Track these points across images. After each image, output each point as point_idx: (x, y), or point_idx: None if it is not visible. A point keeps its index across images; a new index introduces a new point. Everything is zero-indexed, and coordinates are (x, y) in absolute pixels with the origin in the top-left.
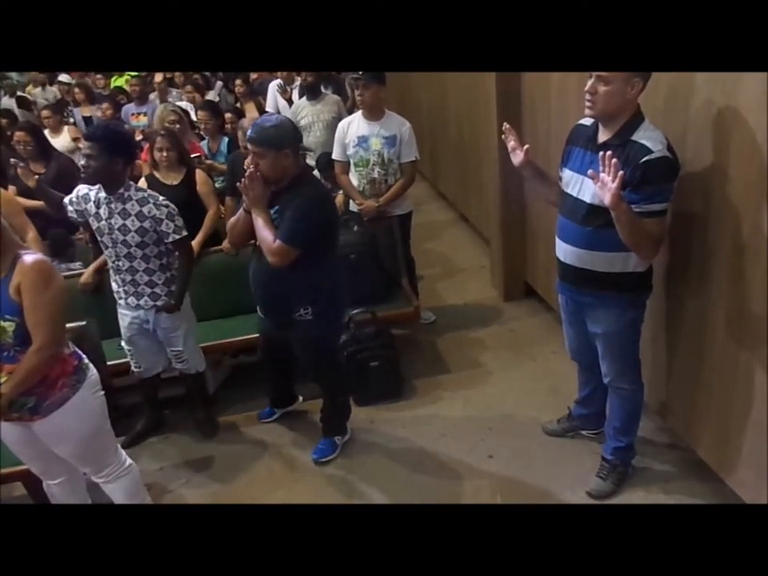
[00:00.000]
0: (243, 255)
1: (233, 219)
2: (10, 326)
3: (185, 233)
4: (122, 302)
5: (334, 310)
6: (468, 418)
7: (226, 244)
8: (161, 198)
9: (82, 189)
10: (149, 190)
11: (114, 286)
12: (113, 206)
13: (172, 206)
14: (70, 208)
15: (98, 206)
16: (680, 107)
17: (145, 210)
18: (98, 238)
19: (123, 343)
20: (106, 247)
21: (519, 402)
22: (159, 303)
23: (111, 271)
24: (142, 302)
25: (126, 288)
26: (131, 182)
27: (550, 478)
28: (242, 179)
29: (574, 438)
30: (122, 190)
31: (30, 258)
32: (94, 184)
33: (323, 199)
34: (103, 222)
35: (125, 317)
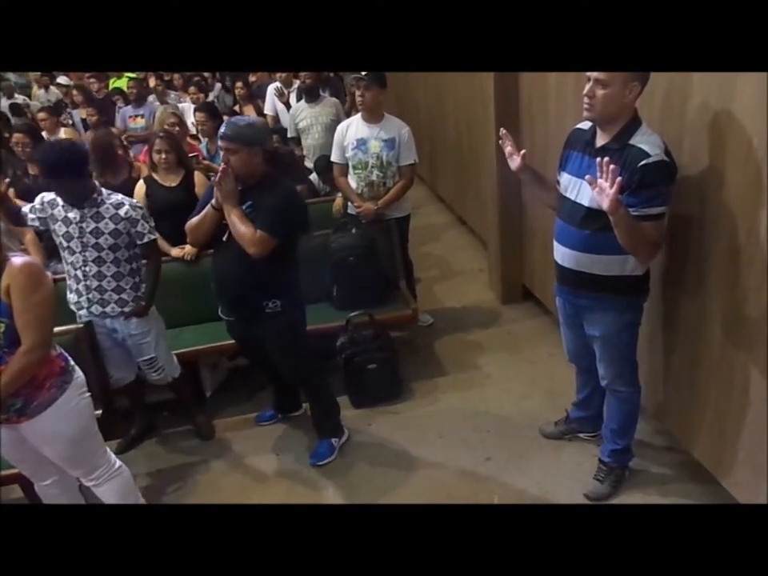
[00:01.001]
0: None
1: (196, 219)
2: (0, 327)
3: (157, 235)
4: (83, 312)
5: (300, 305)
6: (466, 420)
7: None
8: (134, 200)
9: (47, 195)
10: (120, 194)
11: (73, 297)
12: (85, 209)
13: (143, 207)
14: (31, 216)
15: (66, 210)
16: (676, 111)
17: (121, 211)
18: (65, 244)
19: None
20: (73, 253)
21: (517, 404)
22: (127, 309)
23: (71, 281)
24: (108, 309)
25: (90, 296)
26: (101, 188)
27: (547, 480)
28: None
29: (572, 440)
30: (94, 195)
31: (18, 260)
32: (72, 204)
33: (295, 193)
34: (73, 226)
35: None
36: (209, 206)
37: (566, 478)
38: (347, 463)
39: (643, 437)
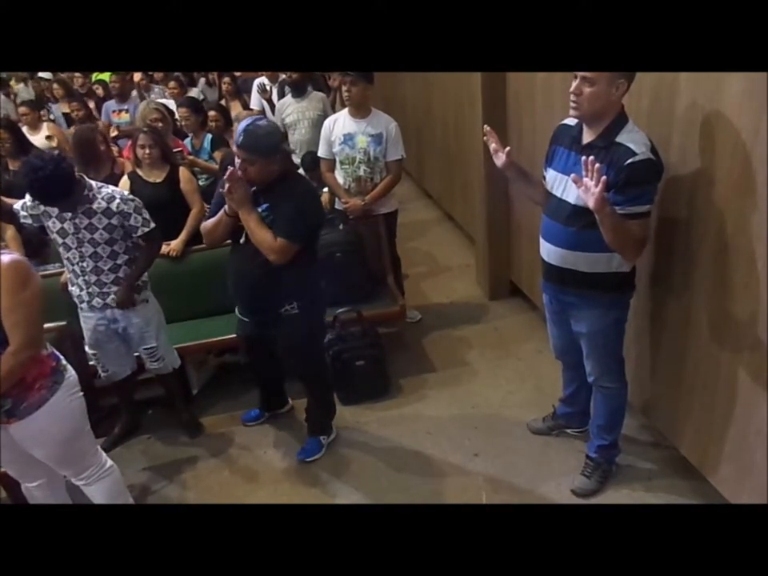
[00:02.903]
0: (218, 254)
1: (211, 223)
2: None
3: (153, 224)
4: (84, 305)
5: (318, 304)
6: (453, 416)
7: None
8: (125, 192)
9: None
10: (111, 186)
11: (75, 290)
12: (79, 206)
13: (137, 199)
14: (23, 213)
15: None
16: (664, 110)
17: (113, 206)
18: (60, 240)
19: (87, 348)
20: (68, 249)
21: (504, 400)
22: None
23: (71, 275)
24: (109, 301)
25: (90, 290)
26: (91, 182)
27: (534, 476)
28: (224, 184)
29: (559, 436)
30: (85, 192)
31: (6, 257)
32: (66, 211)
33: (314, 194)
34: (68, 223)
35: (89, 320)
36: (222, 211)
37: (553, 473)
38: (335, 460)
39: (630, 432)
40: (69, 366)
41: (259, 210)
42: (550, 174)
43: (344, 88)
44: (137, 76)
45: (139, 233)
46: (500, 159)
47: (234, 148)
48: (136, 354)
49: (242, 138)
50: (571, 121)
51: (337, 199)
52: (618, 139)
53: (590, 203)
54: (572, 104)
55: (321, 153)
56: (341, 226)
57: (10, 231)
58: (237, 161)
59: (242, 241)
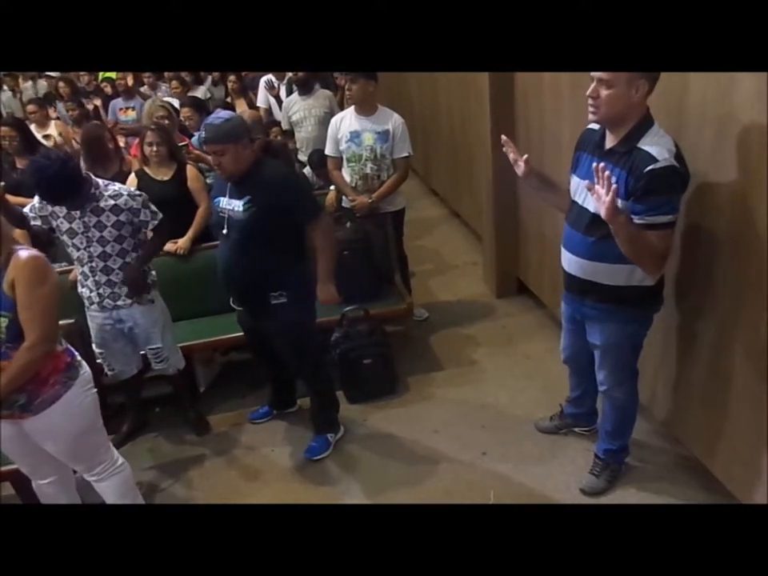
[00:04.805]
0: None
1: None
2: (3, 321)
3: (160, 215)
4: (95, 306)
5: (308, 293)
6: (461, 414)
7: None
8: (132, 188)
9: None
10: (118, 183)
11: (84, 291)
12: (86, 204)
13: (144, 194)
14: (32, 215)
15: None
16: (674, 107)
17: (120, 202)
18: (70, 241)
19: (93, 346)
20: (78, 249)
21: (512, 398)
22: (136, 298)
23: (81, 277)
24: (120, 302)
25: (101, 290)
26: (97, 180)
27: (543, 474)
28: None
29: (567, 435)
30: (92, 190)
31: (25, 253)
32: (74, 210)
33: (286, 170)
34: (77, 222)
35: (95, 318)
36: None
37: (562, 472)
38: (342, 458)
39: (640, 433)
40: (83, 363)
41: (240, 202)
42: (574, 181)
43: (345, 87)
44: (131, 76)
45: (150, 226)
46: (520, 168)
47: (204, 147)
48: (142, 352)
49: (204, 134)
50: (596, 125)
51: (344, 197)
52: (640, 144)
53: (602, 213)
54: (590, 108)
55: (328, 151)
56: (348, 224)
57: (18, 230)
58: (211, 159)
59: (224, 231)
